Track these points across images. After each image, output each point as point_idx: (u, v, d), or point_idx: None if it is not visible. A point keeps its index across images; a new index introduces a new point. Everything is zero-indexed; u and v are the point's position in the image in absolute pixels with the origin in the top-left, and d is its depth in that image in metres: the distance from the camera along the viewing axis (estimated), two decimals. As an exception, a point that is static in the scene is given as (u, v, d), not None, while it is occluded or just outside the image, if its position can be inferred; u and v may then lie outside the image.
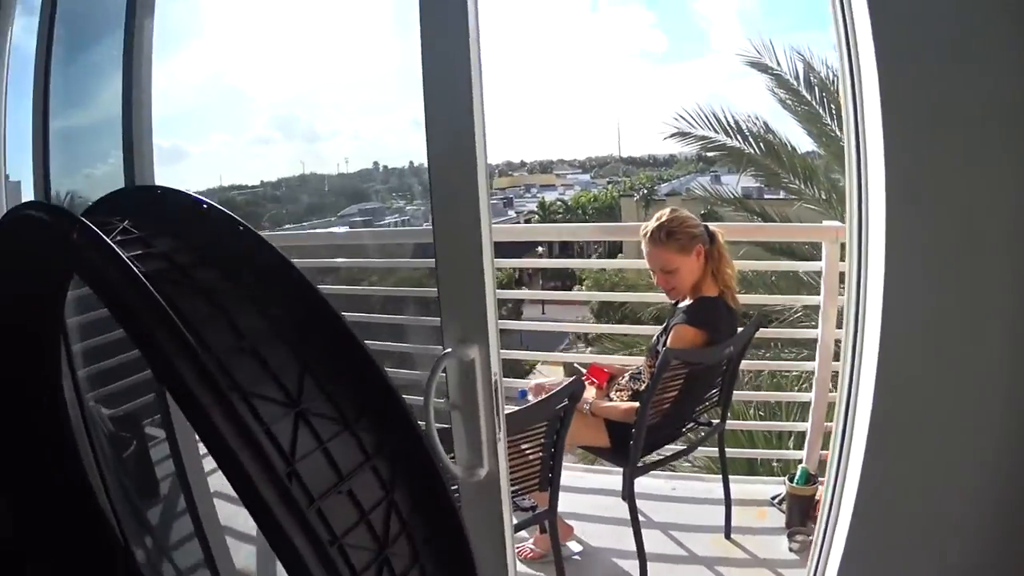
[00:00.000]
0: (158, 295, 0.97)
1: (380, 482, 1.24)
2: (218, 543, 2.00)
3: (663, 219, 2.27)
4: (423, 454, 1.25)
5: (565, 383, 1.92)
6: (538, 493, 2.11)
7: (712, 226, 2.34)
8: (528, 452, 1.95)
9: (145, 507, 2.62)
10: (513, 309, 12.08)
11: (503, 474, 1.18)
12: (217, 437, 0.97)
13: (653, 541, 2.56)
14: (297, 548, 0.98)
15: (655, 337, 2.51)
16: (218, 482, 2.94)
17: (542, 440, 1.93)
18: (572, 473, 3.20)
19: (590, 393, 2.41)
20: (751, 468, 3.62)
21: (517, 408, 1.87)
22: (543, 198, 33.36)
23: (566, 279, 16.33)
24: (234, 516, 2.76)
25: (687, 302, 2.29)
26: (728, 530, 2.55)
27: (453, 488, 1.24)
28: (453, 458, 1.17)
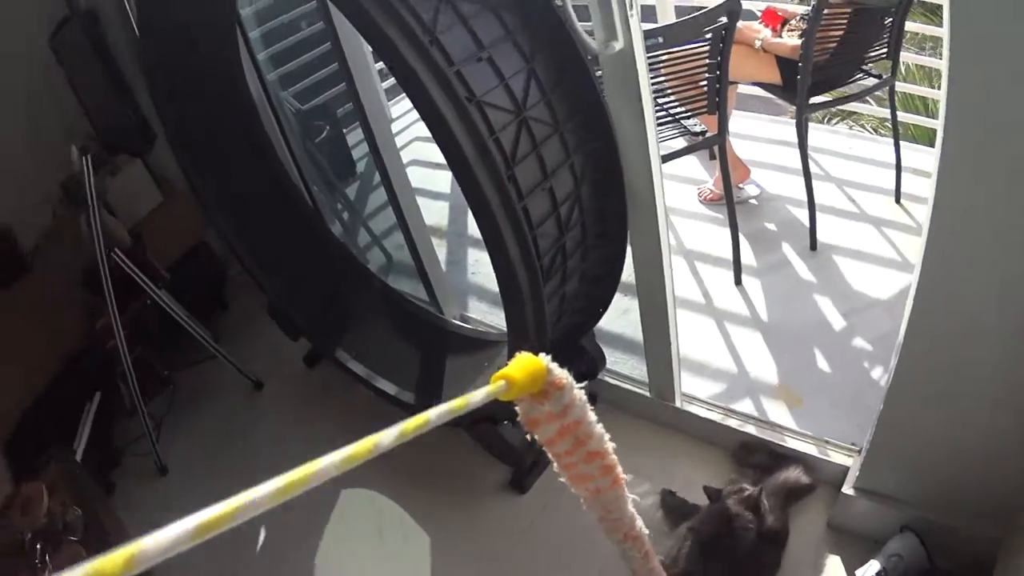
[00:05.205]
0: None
1: (573, 178, 1.52)
2: (409, 203, 2.15)
3: None
4: (614, 153, 1.46)
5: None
6: (707, 117, 2.19)
7: None
8: (695, 73, 2.03)
9: (344, 185, 3.00)
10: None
11: (637, 48, 1.32)
12: (454, 146, 1.25)
13: (826, 194, 2.63)
14: (504, 237, 1.31)
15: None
16: (414, 151, 3.24)
17: (706, 60, 1.98)
18: (747, 121, 3.18)
19: (766, 33, 2.37)
20: (930, 138, 3.43)
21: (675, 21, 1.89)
22: None
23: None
24: (428, 177, 3.06)
25: None
26: (898, 195, 2.57)
27: (596, 70, 1.43)
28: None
